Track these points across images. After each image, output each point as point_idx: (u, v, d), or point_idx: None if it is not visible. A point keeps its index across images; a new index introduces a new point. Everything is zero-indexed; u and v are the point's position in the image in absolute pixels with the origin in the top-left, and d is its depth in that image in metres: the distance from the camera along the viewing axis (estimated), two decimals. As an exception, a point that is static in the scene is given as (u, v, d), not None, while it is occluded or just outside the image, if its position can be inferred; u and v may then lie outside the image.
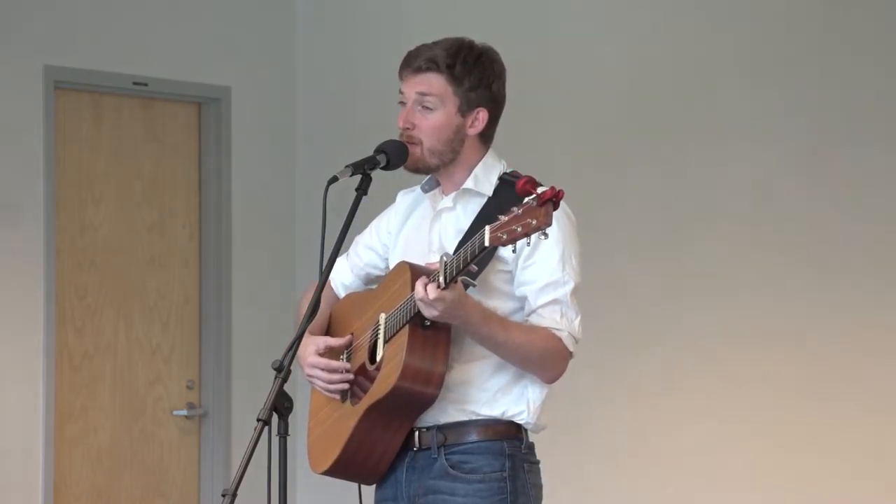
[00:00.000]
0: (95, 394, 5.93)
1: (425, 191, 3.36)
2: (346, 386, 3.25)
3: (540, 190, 2.80)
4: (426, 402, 3.12)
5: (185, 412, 6.16)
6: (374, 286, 3.48)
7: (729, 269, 5.18)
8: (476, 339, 3.11)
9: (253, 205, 6.35)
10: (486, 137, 3.30)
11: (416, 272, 3.11)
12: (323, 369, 3.25)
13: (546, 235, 2.80)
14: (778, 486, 5.03)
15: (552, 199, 2.77)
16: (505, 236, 2.81)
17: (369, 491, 3.33)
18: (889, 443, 4.84)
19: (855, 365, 4.90)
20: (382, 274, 3.46)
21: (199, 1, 6.27)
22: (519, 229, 2.80)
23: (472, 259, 2.90)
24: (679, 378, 5.29)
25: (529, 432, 3.23)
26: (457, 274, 2.93)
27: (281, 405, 2.94)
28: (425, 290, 2.95)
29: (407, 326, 3.07)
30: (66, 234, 5.84)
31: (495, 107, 3.29)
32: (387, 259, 3.43)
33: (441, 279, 2.95)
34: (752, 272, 5.12)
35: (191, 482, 6.21)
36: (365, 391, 3.20)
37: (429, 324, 3.05)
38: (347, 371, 3.25)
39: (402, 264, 3.20)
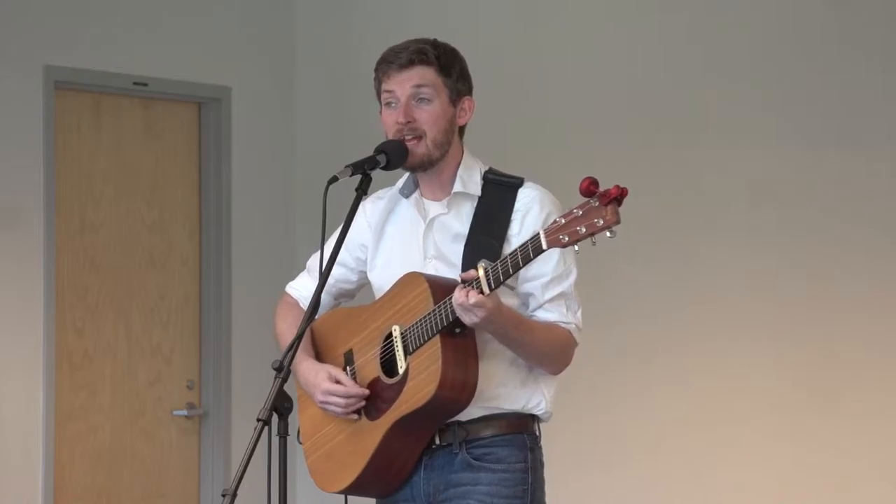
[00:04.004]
0: (95, 394, 5.93)
1: (405, 195, 3.34)
2: (362, 404, 3.23)
3: (602, 189, 2.81)
4: (457, 411, 3.13)
5: (185, 412, 6.16)
6: (343, 300, 3.47)
7: (729, 268, 5.17)
8: (505, 342, 3.13)
9: (253, 205, 6.35)
10: (463, 132, 3.31)
11: (434, 283, 3.11)
12: (341, 396, 3.23)
13: (614, 233, 2.82)
14: (783, 488, 5.03)
15: (617, 198, 2.79)
16: (566, 238, 2.85)
17: None
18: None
19: (858, 365, 4.89)
20: (354, 287, 3.46)
21: (199, 1, 6.28)
22: (583, 230, 2.83)
23: (525, 264, 2.93)
24: (679, 380, 5.29)
25: (542, 423, 3.26)
26: (504, 279, 2.96)
27: (281, 405, 2.94)
28: (467, 296, 2.96)
29: (438, 337, 3.06)
30: (66, 234, 5.84)
31: (472, 98, 3.31)
32: (361, 272, 3.42)
33: (485, 286, 2.96)
34: (752, 272, 5.12)
35: (191, 482, 6.21)
36: (382, 405, 3.18)
37: (458, 331, 3.06)
38: (363, 394, 3.22)
39: (415, 276, 3.17)
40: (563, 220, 2.85)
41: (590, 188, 2.81)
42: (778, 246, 5.06)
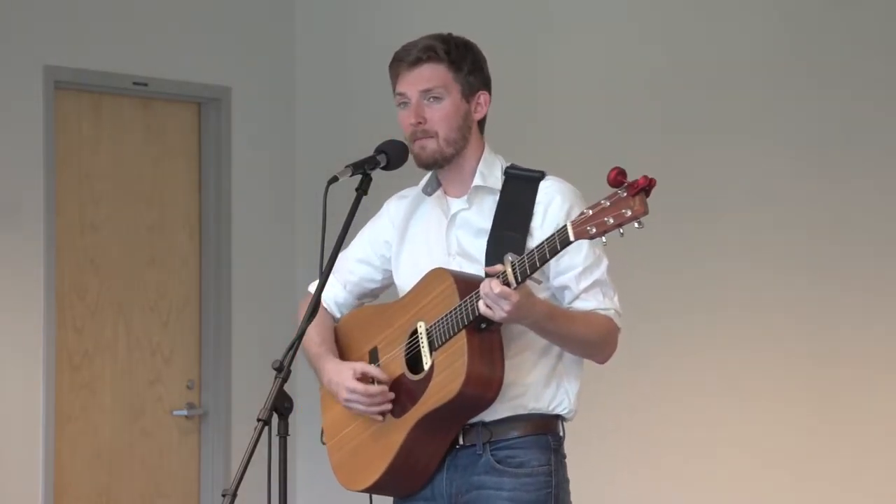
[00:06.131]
0: (95, 394, 5.93)
1: (428, 193, 3.34)
2: (388, 407, 3.22)
3: (630, 179, 2.81)
4: (483, 407, 3.12)
5: (185, 412, 6.16)
6: (366, 300, 3.46)
7: (732, 269, 5.17)
8: (542, 334, 3.12)
9: (253, 205, 6.35)
10: (482, 126, 3.31)
11: (460, 279, 3.11)
12: (362, 394, 3.22)
13: (641, 224, 2.81)
14: (801, 490, 5.03)
15: (645, 188, 2.79)
16: (594, 229, 2.84)
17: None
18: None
19: (860, 366, 4.89)
20: (378, 287, 3.45)
21: (199, 1, 6.28)
22: (611, 221, 2.82)
23: (552, 257, 2.92)
24: (681, 380, 5.29)
25: (566, 423, 3.25)
26: (531, 272, 2.94)
27: (281, 405, 2.94)
28: (492, 288, 2.95)
29: (464, 332, 3.05)
30: (66, 234, 5.84)
31: (489, 91, 3.30)
32: (386, 270, 3.41)
33: (511, 279, 2.95)
34: (755, 272, 5.12)
35: (191, 482, 6.20)
36: (407, 402, 3.17)
37: (484, 327, 3.05)
38: (386, 392, 3.21)
39: (441, 271, 3.17)
40: (591, 212, 2.84)
41: (618, 178, 2.82)
42: (782, 245, 5.06)
